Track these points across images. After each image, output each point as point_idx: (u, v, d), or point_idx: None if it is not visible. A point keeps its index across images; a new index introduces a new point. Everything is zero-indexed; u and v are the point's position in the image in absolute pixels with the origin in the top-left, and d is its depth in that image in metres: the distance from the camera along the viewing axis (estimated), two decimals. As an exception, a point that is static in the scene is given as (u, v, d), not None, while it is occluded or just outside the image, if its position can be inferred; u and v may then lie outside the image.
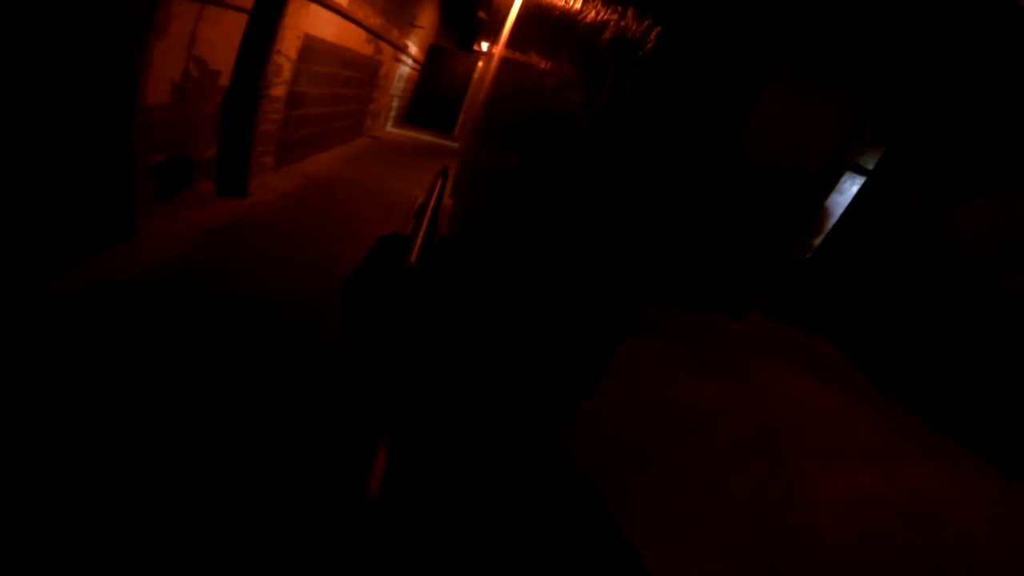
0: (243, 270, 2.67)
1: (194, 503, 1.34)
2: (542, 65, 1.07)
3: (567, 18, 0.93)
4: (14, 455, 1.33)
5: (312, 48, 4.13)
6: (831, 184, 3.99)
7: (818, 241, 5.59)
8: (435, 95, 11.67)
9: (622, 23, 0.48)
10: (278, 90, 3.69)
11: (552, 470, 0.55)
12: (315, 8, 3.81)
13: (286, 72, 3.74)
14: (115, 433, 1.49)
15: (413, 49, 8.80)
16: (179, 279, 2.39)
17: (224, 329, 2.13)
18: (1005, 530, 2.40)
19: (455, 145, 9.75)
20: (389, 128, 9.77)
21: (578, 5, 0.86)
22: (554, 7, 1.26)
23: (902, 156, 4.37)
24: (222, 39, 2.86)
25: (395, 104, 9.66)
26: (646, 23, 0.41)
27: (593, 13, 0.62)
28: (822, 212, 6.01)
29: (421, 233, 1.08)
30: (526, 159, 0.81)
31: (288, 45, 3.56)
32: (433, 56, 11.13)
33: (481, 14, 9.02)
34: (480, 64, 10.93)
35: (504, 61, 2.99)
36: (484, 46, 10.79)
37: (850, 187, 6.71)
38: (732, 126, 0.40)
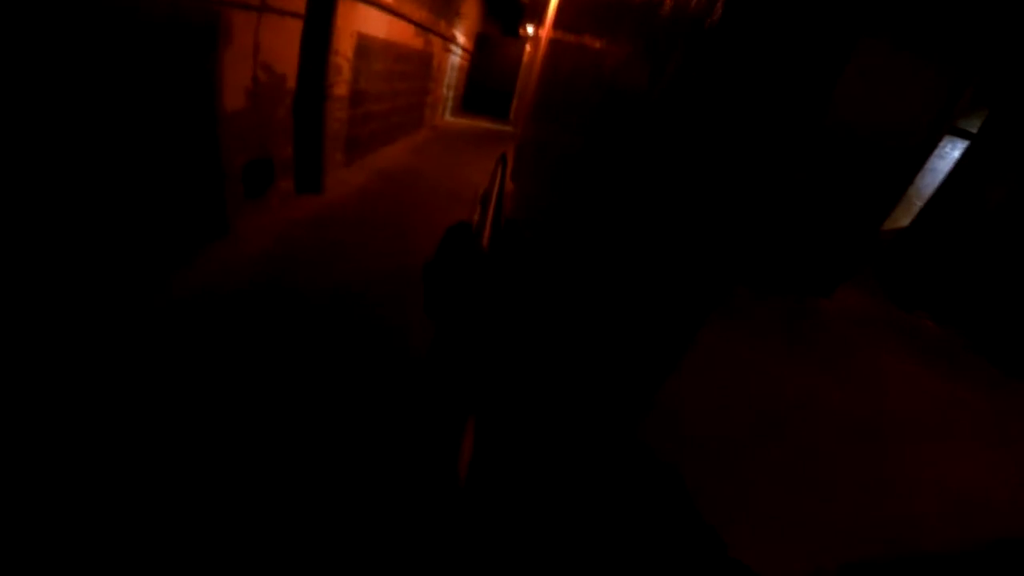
0: (328, 261, 2.87)
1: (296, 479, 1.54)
2: (597, 45, 1.04)
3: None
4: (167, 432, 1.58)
5: (367, 46, 4.28)
6: (929, 149, 3.57)
7: (913, 210, 5.03)
8: (487, 82, 11.70)
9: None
10: (340, 89, 3.87)
11: (635, 453, 0.55)
12: (363, 8, 3.94)
13: (346, 71, 3.91)
14: (241, 414, 1.74)
15: (461, 39, 8.85)
16: (274, 272, 2.61)
17: (319, 317, 2.32)
18: None
19: (511, 130, 9.74)
20: (447, 117, 9.94)
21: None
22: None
23: (1013, 118, 3.84)
24: (283, 44, 3.04)
25: (450, 94, 9.79)
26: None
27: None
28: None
29: (488, 218, 1.11)
30: (589, 139, 0.80)
31: (344, 45, 3.72)
32: (481, 44, 11.13)
33: (522, -2, 8.83)
34: (528, 48, 10.78)
35: (553, 43, 2.93)
36: (530, 30, 10.59)
37: (951, 152, 6.06)
38: (810, 98, 0.37)
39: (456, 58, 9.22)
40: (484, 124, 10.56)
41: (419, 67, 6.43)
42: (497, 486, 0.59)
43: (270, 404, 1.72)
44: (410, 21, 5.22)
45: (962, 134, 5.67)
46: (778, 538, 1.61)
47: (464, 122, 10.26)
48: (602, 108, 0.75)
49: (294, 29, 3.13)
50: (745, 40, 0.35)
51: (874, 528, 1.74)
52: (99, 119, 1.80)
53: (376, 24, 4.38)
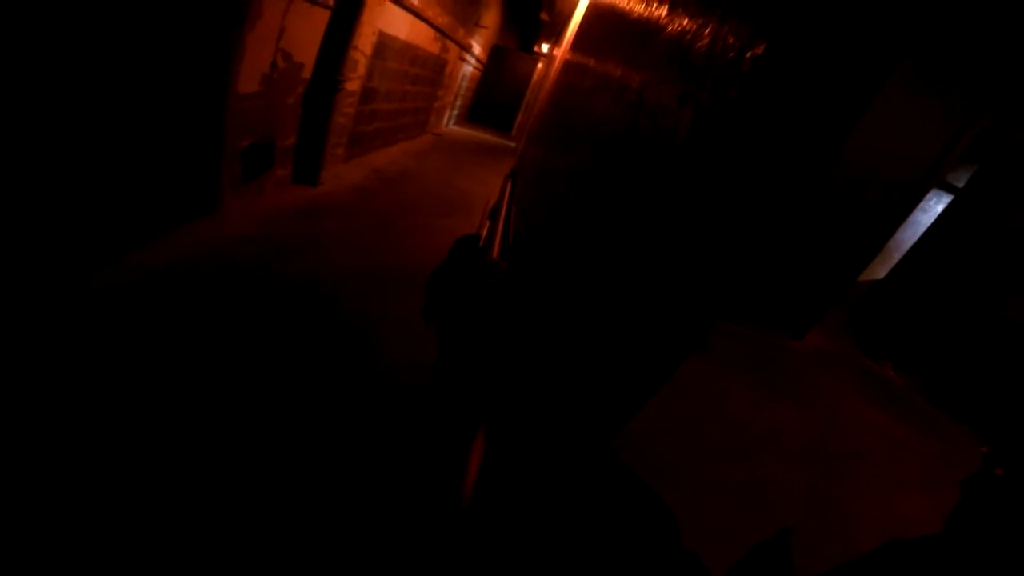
0: (315, 253, 2.82)
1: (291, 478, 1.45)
2: (621, 67, 1.09)
3: (652, 22, 0.94)
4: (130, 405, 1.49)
5: (385, 45, 4.31)
6: (915, 201, 3.71)
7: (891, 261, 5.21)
8: (495, 95, 11.84)
9: (722, 29, 0.49)
10: (353, 84, 3.88)
11: (617, 472, 0.57)
12: (390, 6, 3.97)
13: (361, 67, 3.92)
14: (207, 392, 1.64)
15: (477, 49, 8.96)
16: (256, 255, 2.55)
17: (289, 307, 2.27)
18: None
19: (513, 144, 9.85)
20: (451, 126, 9.99)
21: (665, 10, 0.88)
22: (632, 11, 1.27)
23: (1003, 174, 3.99)
24: (307, 33, 3.03)
25: (458, 103, 9.86)
26: (749, 34, 0.43)
27: (686, 20, 0.64)
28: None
29: (499, 232, 1.14)
30: (603, 156, 0.83)
31: (364, 41, 3.74)
32: (495, 56, 11.28)
33: (543, 16, 9.05)
34: (540, 66, 10.96)
35: (571, 63, 3.00)
36: (544, 48, 10.80)
37: (935, 205, 6.23)
38: (836, 136, 0.40)
39: (469, 67, 9.32)
40: (487, 136, 10.62)
41: (432, 72, 6.47)
42: (502, 506, 0.60)
43: (217, 399, 1.61)
44: (431, 25, 5.27)
45: (948, 188, 5.81)
46: (731, 553, 1.67)
47: (467, 132, 10.31)
48: (623, 127, 0.78)
49: (321, 19, 3.13)
50: (783, 81, 0.38)
51: (811, 557, 1.81)
52: (108, 77, 1.78)
53: (398, 24, 4.40)
